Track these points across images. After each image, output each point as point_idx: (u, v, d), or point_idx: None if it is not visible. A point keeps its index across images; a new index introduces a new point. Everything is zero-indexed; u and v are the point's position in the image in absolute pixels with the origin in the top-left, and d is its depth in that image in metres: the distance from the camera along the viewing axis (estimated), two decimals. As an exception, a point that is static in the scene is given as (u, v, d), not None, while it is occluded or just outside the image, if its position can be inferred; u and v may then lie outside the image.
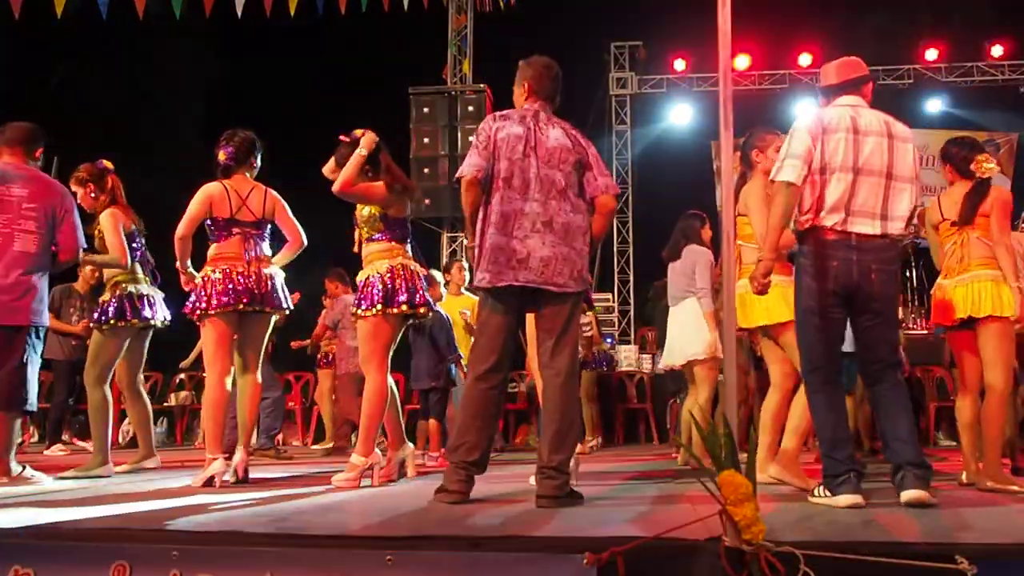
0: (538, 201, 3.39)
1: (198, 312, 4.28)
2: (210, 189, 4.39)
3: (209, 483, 4.09)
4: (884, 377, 3.38)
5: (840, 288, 3.33)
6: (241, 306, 4.29)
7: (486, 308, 3.49)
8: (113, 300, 4.91)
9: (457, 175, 3.54)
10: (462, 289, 7.13)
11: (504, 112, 3.59)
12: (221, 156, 4.44)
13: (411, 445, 4.57)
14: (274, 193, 4.56)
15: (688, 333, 5.59)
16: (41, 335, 4.44)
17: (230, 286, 4.27)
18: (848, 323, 3.46)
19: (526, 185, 3.41)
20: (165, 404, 9.80)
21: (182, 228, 4.34)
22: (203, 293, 4.29)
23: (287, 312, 4.64)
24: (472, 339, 6.84)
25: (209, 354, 4.32)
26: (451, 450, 3.47)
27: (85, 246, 4.61)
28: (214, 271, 4.32)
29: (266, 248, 4.52)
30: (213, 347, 4.31)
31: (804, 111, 12.03)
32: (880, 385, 3.38)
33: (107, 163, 5.07)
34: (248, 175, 4.51)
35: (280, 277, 4.54)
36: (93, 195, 4.96)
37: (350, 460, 4.18)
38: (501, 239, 3.38)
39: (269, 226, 4.55)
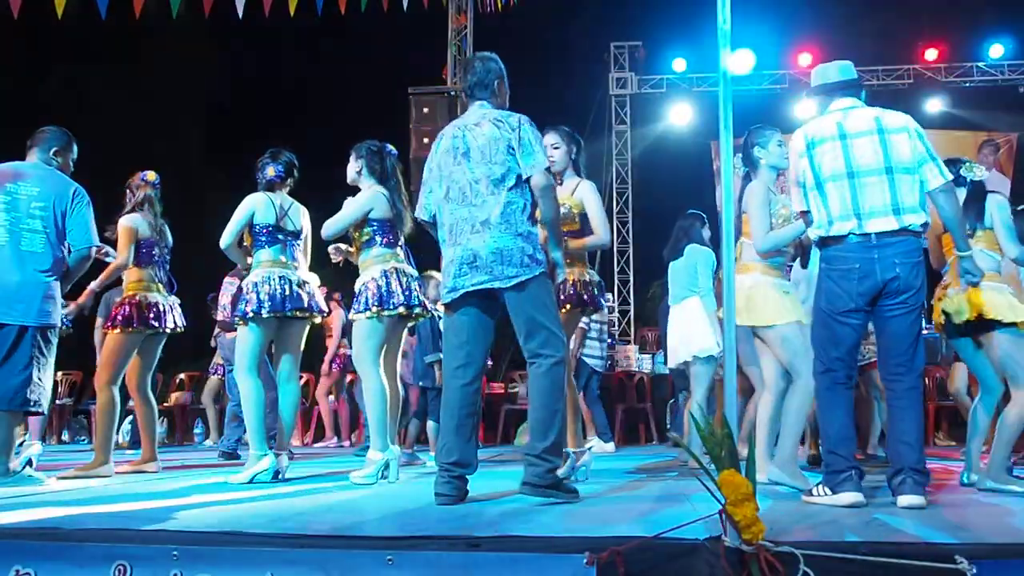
0: (476, 205, 3.43)
1: (251, 315, 4.40)
2: (254, 199, 4.60)
3: (254, 480, 4.28)
4: (903, 376, 3.32)
5: (867, 289, 3.29)
6: (292, 312, 4.47)
7: (450, 313, 3.56)
8: (125, 306, 5.05)
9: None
10: None
11: (443, 129, 3.68)
12: (270, 172, 4.68)
13: (397, 448, 4.56)
14: (305, 210, 4.81)
15: (688, 331, 5.61)
16: (51, 337, 4.37)
17: (278, 292, 4.44)
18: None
19: (463, 193, 3.47)
20: (165, 404, 9.81)
21: (224, 239, 4.51)
22: (255, 297, 4.42)
23: (321, 316, 4.79)
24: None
25: (248, 356, 4.45)
26: (436, 452, 3.54)
27: (96, 243, 4.54)
28: (260, 277, 4.48)
29: (300, 257, 4.72)
30: (254, 350, 4.47)
31: (805, 111, 12.04)
32: (898, 384, 3.32)
33: (149, 175, 5.24)
34: (285, 191, 4.74)
35: (315, 283, 4.75)
36: (128, 201, 5.18)
37: (367, 456, 4.30)
38: (450, 251, 3.50)
39: (303, 238, 4.77)
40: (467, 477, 3.42)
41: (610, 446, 7.51)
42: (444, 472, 3.38)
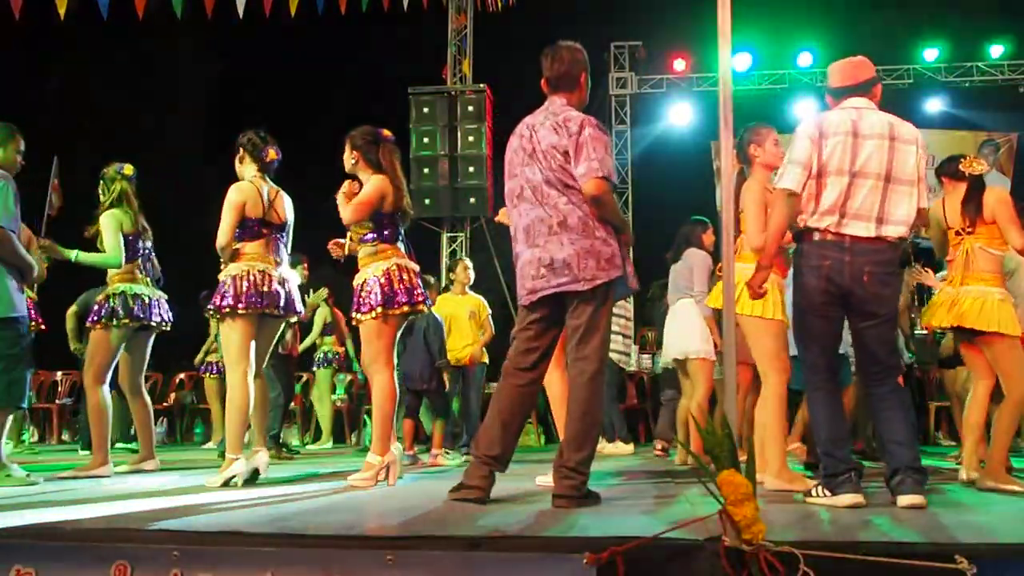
0: (549, 205, 3.36)
1: (226, 309, 4.19)
2: (243, 189, 4.32)
3: (228, 483, 4.06)
4: (883, 380, 3.35)
5: (834, 288, 3.31)
6: (268, 309, 4.25)
7: (523, 314, 3.51)
8: (107, 300, 4.91)
9: None
10: (467, 288, 7.12)
11: (518, 125, 3.58)
12: (272, 155, 4.42)
13: (398, 448, 4.50)
14: (289, 199, 4.55)
15: (683, 331, 5.67)
16: (6, 331, 4.16)
17: (259, 287, 4.23)
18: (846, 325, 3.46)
19: (535, 193, 3.40)
20: (165, 404, 9.81)
21: (223, 236, 4.23)
22: (231, 291, 4.20)
23: (299, 316, 4.64)
24: (481, 334, 6.89)
25: (234, 354, 4.24)
26: (475, 444, 3.49)
27: (4, 224, 4.13)
28: (240, 270, 4.25)
29: (284, 252, 4.51)
30: (239, 347, 4.23)
31: (805, 111, 12.04)
32: (879, 388, 3.36)
33: (127, 168, 5.04)
34: (269, 177, 4.49)
35: (295, 281, 4.55)
36: (103, 194, 4.99)
37: (366, 459, 4.18)
38: (526, 253, 3.42)
39: (288, 230, 4.54)
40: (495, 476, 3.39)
41: (610, 446, 7.50)
42: (483, 465, 3.33)
